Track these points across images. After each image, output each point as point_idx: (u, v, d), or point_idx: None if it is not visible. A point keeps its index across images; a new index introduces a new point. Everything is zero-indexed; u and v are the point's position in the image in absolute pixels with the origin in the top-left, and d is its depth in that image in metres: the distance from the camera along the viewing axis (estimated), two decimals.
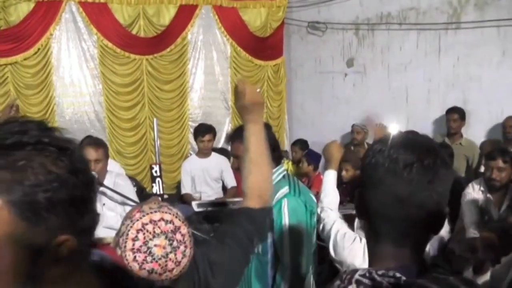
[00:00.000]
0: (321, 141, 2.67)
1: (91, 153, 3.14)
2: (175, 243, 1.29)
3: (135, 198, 3.29)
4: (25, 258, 0.67)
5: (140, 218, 1.30)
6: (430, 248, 2.75)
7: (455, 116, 5.01)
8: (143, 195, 4.46)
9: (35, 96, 5.71)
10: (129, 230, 1.29)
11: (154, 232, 1.28)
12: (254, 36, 6.71)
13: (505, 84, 5.01)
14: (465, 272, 2.45)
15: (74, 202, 0.70)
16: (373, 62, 6.20)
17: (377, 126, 5.04)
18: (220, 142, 6.26)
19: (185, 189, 4.77)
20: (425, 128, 5.30)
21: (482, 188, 3.50)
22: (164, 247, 1.28)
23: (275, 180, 2.34)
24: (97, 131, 5.76)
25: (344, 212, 2.60)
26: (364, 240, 2.15)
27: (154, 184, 4.04)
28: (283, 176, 2.38)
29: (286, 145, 6.71)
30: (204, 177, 4.72)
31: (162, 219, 1.31)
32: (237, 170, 1.73)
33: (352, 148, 5.72)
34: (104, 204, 3.16)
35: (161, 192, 4.04)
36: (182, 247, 1.30)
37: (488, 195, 3.46)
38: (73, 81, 5.95)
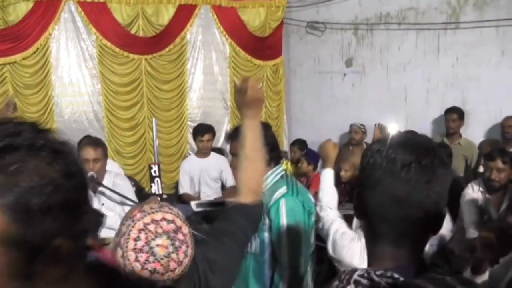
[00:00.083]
0: (320, 141, 2.68)
1: (90, 153, 3.14)
2: (177, 243, 1.29)
3: (134, 198, 3.29)
4: (20, 261, 0.66)
5: (142, 218, 1.30)
6: (430, 247, 2.75)
7: (454, 116, 5.02)
8: (142, 195, 4.45)
9: (34, 95, 5.69)
10: (130, 230, 1.28)
11: (156, 232, 1.28)
12: (253, 36, 6.70)
13: (504, 84, 5.02)
14: (464, 272, 2.45)
15: (69, 205, 0.69)
16: (372, 62, 6.20)
17: (376, 126, 5.04)
18: (219, 142, 6.26)
19: (183, 189, 4.77)
20: (424, 128, 5.30)
21: (481, 189, 3.50)
22: (166, 247, 1.27)
23: (273, 180, 2.35)
24: (95, 131, 5.76)
25: (342, 212, 2.60)
26: (362, 240, 2.16)
27: (153, 184, 4.04)
28: (281, 176, 2.38)
29: (285, 145, 6.71)
30: (203, 177, 4.72)
31: (163, 218, 1.30)
32: (236, 169, 1.74)
33: (351, 148, 5.73)
34: (103, 204, 3.16)
35: (160, 192, 4.03)
36: (184, 247, 1.30)
37: (487, 195, 3.46)
38: (72, 81, 5.94)
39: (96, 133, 5.26)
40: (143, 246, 1.26)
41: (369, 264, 1.00)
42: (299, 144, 5.78)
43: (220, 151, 5.39)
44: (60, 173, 0.68)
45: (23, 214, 0.65)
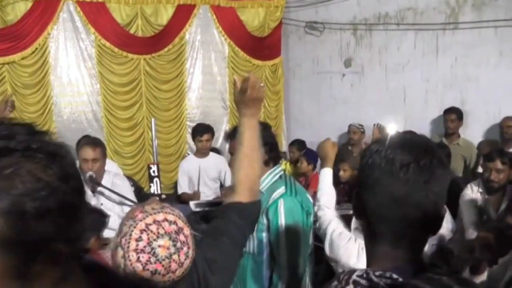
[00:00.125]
0: (318, 141, 2.67)
1: (89, 153, 3.14)
2: (178, 244, 1.28)
3: (133, 198, 3.29)
4: (16, 264, 0.66)
5: (143, 218, 1.29)
6: (429, 247, 2.76)
7: (453, 116, 5.02)
8: (141, 195, 4.45)
9: (33, 95, 5.69)
10: (132, 231, 1.27)
11: (158, 232, 1.27)
12: (252, 36, 6.70)
13: (503, 84, 5.02)
14: (463, 272, 2.45)
15: (64, 209, 0.68)
16: (371, 62, 6.20)
17: (375, 126, 5.05)
18: (218, 141, 6.26)
19: (182, 188, 4.76)
20: (423, 128, 5.31)
21: (480, 189, 3.49)
22: (168, 248, 1.27)
23: (271, 180, 2.35)
24: (94, 131, 5.75)
25: (341, 212, 2.60)
26: (358, 240, 2.16)
27: (152, 184, 4.03)
28: (280, 176, 2.39)
29: (284, 145, 6.70)
30: (202, 177, 4.71)
31: (165, 219, 1.30)
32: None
33: (350, 148, 5.73)
34: (101, 204, 3.15)
35: (159, 192, 4.03)
36: (185, 248, 1.30)
37: (487, 196, 3.46)
38: (71, 81, 5.94)
39: (95, 133, 5.26)
40: (144, 246, 1.25)
41: (368, 264, 1.01)
42: (298, 144, 5.78)
43: (217, 151, 5.38)
44: (56, 176, 0.67)
45: (18, 217, 0.64)
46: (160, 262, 1.25)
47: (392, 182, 0.93)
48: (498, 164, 3.35)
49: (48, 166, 0.67)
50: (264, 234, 2.27)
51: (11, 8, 5.41)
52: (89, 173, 3.08)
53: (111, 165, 3.85)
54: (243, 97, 1.63)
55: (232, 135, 2.36)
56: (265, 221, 2.25)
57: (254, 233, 2.20)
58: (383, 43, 6.03)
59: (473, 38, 5.24)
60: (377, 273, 0.89)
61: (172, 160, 6.39)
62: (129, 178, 4.46)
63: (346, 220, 2.44)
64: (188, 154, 5.79)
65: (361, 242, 2.12)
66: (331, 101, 6.66)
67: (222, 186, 4.87)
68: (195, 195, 4.55)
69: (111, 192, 3.16)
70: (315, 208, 2.42)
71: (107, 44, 5.88)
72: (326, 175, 2.49)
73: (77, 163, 3.19)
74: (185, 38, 6.40)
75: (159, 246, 1.26)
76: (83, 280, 0.78)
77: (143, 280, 1.23)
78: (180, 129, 6.52)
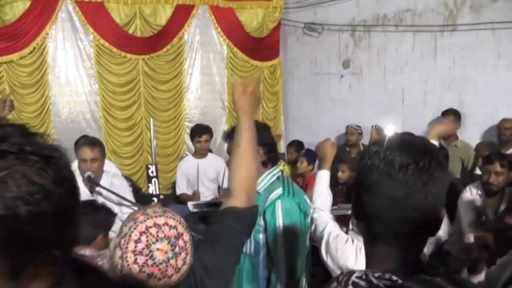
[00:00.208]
0: (317, 142, 2.67)
1: (87, 153, 3.13)
2: (177, 249, 1.28)
3: (132, 199, 3.29)
4: (9, 268, 0.65)
5: (144, 220, 1.29)
6: (427, 248, 2.76)
7: (451, 118, 5.03)
8: (139, 195, 4.45)
9: (31, 95, 5.68)
10: (132, 232, 1.28)
11: (158, 236, 1.27)
12: (251, 36, 6.71)
13: (500, 86, 5.04)
14: (461, 273, 2.46)
15: (59, 213, 0.67)
16: (369, 64, 6.21)
17: (373, 127, 5.06)
18: (217, 142, 6.26)
19: (180, 189, 4.76)
20: (421, 129, 5.31)
21: (479, 192, 3.49)
22: (166, 252, 1.27)
23: (269, 181, 2.35)
24: (93, 131, 5.75)
25: (339, 213, 2.60)
26: (356, 242, 2.16)
27: (150, 185, 4.03)
28: (278, 178, 2.38)
29: (282, 146, 6.71)
30: (201, 177, 4.71)
31: (166, 223, 1.30)
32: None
33: (348, 149, 5.74)
34: None
35: (157, 192, 4.03)
36: (183, 254, 1.30)
37: (486, 199, 3.46)
38: (69, 81, 5.93)
39: (93, 133, 5.25)
40: (143, 248, 1.25)
41: (367, 266, 1.01)
42: (296, 145, 5.78)
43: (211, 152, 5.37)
44: (50, 180, 0.66)
45: (12, 221, 0.62)
46: (157, 266, 1.25)
47: (391, 184, 0.93)
48: (497, 167, 3.35)
49: (42, 169, 0.66)
50: (261, 235, 2.27)
51: (10, 8, 5.40)
52: (88, 173, 3.08)
53: (109, 166, 3.85)
54: (242, 101, 1.65)
55: (231, 135, 2.35)
56: (262, 222, 2.25)
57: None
58: (382, 44, 6.04)
59: (471, 40, 5.25)
60: (376, 275, 0.89)
61: (171, 160, 6.39)
62: (127, 178, 4.45)
63: (343, 221, 2.44)
64: (187, 154, 5.79)
65: (358, 244, 2.12)
66: (330, 102, 6.66)
67: (219, 188, 4.86)
68: (195, 195, 4.54)
69: (109, 193, 3.15)
70: (310, 210, 2.41)
71: (106, 44, 5.88)
72: (323, 177, 2.49)
73: (76, 163, 3.19)
74: (183, 39, 6.40)
75: (157, 249, 1.26)
76: (77, 284, 0.77)
77: (138, 284, 1.23)
78: (179, 129, 6.52)
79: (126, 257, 1.25)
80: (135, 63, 6.12)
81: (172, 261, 1.27)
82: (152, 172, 3.99)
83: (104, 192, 3.17)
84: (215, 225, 1.59)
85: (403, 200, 0.93)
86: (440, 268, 2.75)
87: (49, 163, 0.67)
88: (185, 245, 1.31)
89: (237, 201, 1.59)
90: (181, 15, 6.25)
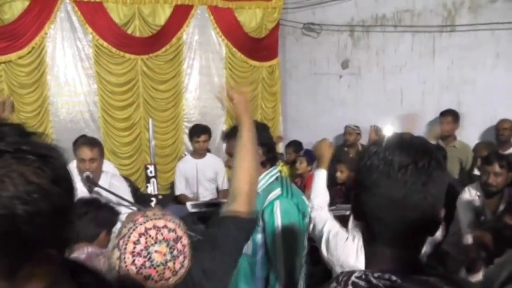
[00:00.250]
0: (315, 143, 2.68)
1: (86, 152, 3.13)
2: (175, 252, 1.29)
3: (130, 199, 3.28)
4: (5, 267, 0.65)
5: (144, 222, 1.30)
6: (425, 248, 2.76)
7: (449, 118, 5.03)
8: (138, 195, 4.44)
9: (29, 95, 5.68)
10: (131, 233, 1.28)
11: (157, 238, 1.28)
12: (249, 37, 6.71)
13: (499, 86, 5.04)
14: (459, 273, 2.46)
15: (56, 212, 0.67)
16: (368, 64, 6.21)
17: (372, 128, 5.06)
18: (215, 142, 6.26)
19: (179, 190, 4.75)
20: (420, 130, 5.32)
21: (478, 193, 3.49)
22: (164, 254, 1.27)
23: (268, 182, 2.35)
24: (91, 131, 5.74)
25: (338, 213, 2.61)
26: (357, 239, 2.17)
27: (148, 184, 4.03)
28: (276, 178, 2.38)
29: (281, 147, 6.71)
30: (199, 177, 4.71)
31: (165, 226, 1.30)
32: (231, 168, 1.75)
33: (346, 149, 5.74)
34: None
35: (156, 192, 4.03)
36: (181, 257, 1.30)
37: (485, 199, 3.46)
38: (68, 81, 5.93)
39: (91, 133, 5.25)
40: (141, 250, 1.26)
41: (367, 266, 1.01)
42: (294, 145, 5.78)
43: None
44: (48, 179, 0.66)
45: (9, 221, 0.62)
46: (155, 268, 1.25)
47: (390, 184, 0.94)
48: (496, 168, 3.34)
49: (39, 168, 0.66)
50: (259, 236, 2.26)
51: (8, 7, 5.39)
52: (86, 173, 3.08)
53: (107, 166, 3.84)
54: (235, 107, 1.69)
55: (229, 135, 2.36)
56: (260, 222, 2.25)
57: None
58: (380, 44, 6.05)
59: (469, 41, 5.25)
60: (376, 275, 0.89)
61: (169, 160, 6.38)
62: (126, 178, 4.44)
63: (342, 220, 2.45)
64: (185, 154, 5.79)
65: (359, 241, 2.12)
66: (328, 102, 6.66)
67: (218, 190, 4.86)
68: (194, 198, 4.54)
69: (108, 193, 3.15)
70: (308, 209, 2.42)
71: (105, 44, 5.88)
72: (320, 177, 2.50)
73: (74, 162, 3.18)
74: (182, 39, 6.40)
75: (155, 251, 1.26)
76: (73, 285, 0.77)
77: (136, 285, 1.23)
78: (177, 129, 6.52)
79: (124, 258, 1.25)
80: (134, 63, 6.12)
81: (170, 264, 1.27)
82: (150, 172, 4.00)
83: (103, 192, 3.16)
84: (216, 229, 1.60)
85: (402, 200, 0.93)
86: (438, 268, 2.76)
87: (46, 163, 0.67)
88: (184, 249, 1.31)
89: (239, 205, 1.60)
90: (180, 15, 6.25)
